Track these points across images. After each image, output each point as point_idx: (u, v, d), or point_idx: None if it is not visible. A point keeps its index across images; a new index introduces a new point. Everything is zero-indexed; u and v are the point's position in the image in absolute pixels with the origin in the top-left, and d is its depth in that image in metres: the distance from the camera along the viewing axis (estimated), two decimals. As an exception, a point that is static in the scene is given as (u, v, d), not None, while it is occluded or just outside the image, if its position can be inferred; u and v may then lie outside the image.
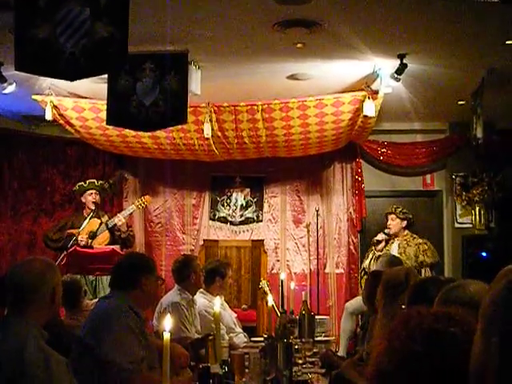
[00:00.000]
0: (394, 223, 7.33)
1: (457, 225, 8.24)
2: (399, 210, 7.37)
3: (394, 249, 7.20)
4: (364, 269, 7.46)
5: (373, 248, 7.38)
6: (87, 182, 7.43)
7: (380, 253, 7.19)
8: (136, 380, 3.33)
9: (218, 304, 3.01)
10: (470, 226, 7.98)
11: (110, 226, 7.18)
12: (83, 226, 7.07)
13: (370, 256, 7.36)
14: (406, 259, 6.95)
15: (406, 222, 7.35)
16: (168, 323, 2.07)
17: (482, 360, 1.15)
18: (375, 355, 1.41)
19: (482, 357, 1.15)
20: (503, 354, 1.10)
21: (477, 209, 7.83)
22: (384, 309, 3.44)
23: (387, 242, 7.33)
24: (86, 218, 7.16)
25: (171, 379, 2.06)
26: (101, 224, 7.19)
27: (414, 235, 7.39)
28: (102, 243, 7.13)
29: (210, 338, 3.00)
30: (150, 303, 3.95)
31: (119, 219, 7.16)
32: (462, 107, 7.17)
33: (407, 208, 7.48)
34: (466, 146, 7.73)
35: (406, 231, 7.36)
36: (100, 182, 7.52)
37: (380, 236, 7.36)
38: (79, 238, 6.96)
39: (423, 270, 7.03)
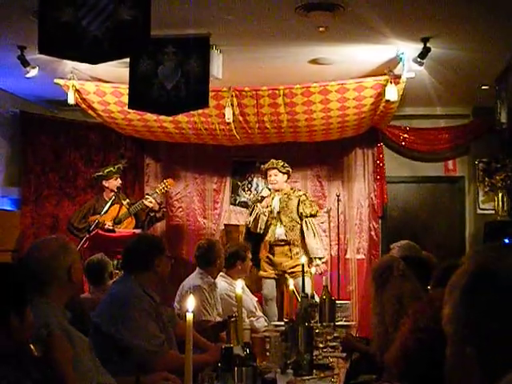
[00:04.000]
0: (278, 178, 7.17)
1: (479, 211, 8.18)
2: (281, 164, 7.20)
3: (275, 203, 7.14)
4: (247, 226, 7.39)
5: (257, 205, 7.24)
6: (106, 170, 7.37)
7: (265, 209, 7.13)
8: (163, 360, 3.36)
9: (239, 286, 3.01)
10: (493, 212, 7.90)
11: (132, 213, 7.22)
12: (105, 209, 7.12)
13: (255, 213, 7.22)
14: (290, 213, 7.05)
15: (286, 176, 7.25)
16: (191, 304, 2.08)
17: (457, 366, 1.15)
18: (400, 336, 1.41)
19: (456, 362, 1.15)
20: (482, 363, 1.09)
21: (500, 195, 7.74)
22: (376, 299, 3.46)
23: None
24: (107, 203, 7.20)
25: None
26: (122, 207, 7.21)
27: (294, 188, 7.42)
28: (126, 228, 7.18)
29: (232, 319, 3.01)
30: (163, 283, 3.96)
31: (149, 201, 7.20)
32: (486, 92, 7.09)
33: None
34: (489, 132, 7.66)
35: (286, 184, 7.28)
36: (117, 166, 7.50)
37: (265, 192, 7.24)
38: (106, 225, 7.01)
39: (304, 223, 7.04)
